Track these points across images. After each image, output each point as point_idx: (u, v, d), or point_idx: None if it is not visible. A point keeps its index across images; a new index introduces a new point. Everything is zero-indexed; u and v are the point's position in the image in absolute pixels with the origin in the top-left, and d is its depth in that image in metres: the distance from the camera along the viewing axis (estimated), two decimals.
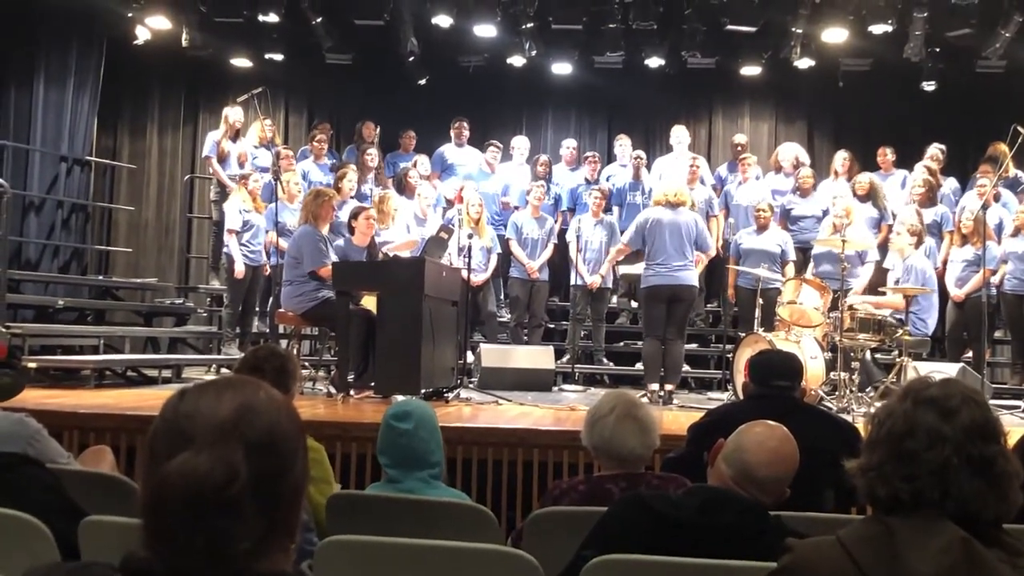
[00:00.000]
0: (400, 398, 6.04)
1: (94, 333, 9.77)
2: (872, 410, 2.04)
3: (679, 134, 11.33)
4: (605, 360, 10.56)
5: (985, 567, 1.72)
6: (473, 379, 9.05)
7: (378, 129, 11.40)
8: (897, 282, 8.65)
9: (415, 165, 10.73)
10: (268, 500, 1.35)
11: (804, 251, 9.89)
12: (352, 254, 8.45)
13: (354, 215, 8.64)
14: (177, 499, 1.30)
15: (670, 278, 8.15)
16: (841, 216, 9.10)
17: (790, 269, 9.50)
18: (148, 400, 6.80)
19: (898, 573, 1.74)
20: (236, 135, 10.60)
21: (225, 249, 9.57)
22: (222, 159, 10.48)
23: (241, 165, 10.46)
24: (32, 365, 7.95)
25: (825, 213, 10.06)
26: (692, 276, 8.30)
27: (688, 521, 2.56)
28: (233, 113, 10.53)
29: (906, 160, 10.83)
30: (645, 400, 7.60)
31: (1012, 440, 2.28)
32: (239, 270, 9.37)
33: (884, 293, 8.83)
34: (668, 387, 8.29)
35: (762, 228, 9.59)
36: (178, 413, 1.38)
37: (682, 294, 8.23)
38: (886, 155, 10.89)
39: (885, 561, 1.76)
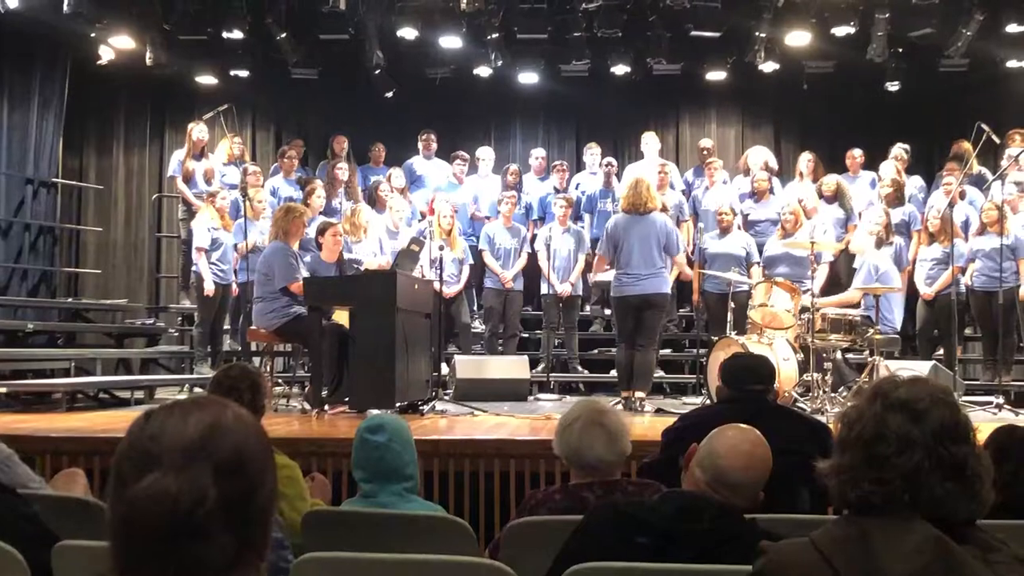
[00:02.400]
0: (375, 412, 6.01)
1: (65, 356, 9.67)
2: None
3: (649, 140, 11.39)
4: (580, 368, 10.54)
5: (959, 565, 1.72)
6: (448, 391, 9.03)
7: (347, 143, 11.38)
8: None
9: (389, 179, 10.71)
10: (237, 520, 1.33)
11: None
12: (321, 270, 8.41)
13: (320, 231, 8.61)
14: (146, 523, 1.28)
15: (638, 287, 8.04)
16: (789, 220, 9.21)
17: (756, 271, 9.52)
18: (120, 422, 6.70)
19: (872, 573, 1.74)
20: (201, 152, 10.49)
21: (194, 267, 9.49)
22: (188, 178, 10.37)
23: (208, 182, 10.34)
24: (3, 390, 7.90)
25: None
26: (661, 283, 8.14)
27: (663, 527, 2.56)
28: (197, 130, 10.41)
29: (871, 161, 10.92)
30: (619, 407, 7.60)
31: (982, 436, 2.29)
32: (208, 288, 9.30)
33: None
34: (638, 394, 8.14)
35: (724, 232, 9.63)
36: (144, 434, 1.35)
37: (653, 301, 8.10)
38: (855, 157, 10.95)
39: (859, 562, 1.75)
